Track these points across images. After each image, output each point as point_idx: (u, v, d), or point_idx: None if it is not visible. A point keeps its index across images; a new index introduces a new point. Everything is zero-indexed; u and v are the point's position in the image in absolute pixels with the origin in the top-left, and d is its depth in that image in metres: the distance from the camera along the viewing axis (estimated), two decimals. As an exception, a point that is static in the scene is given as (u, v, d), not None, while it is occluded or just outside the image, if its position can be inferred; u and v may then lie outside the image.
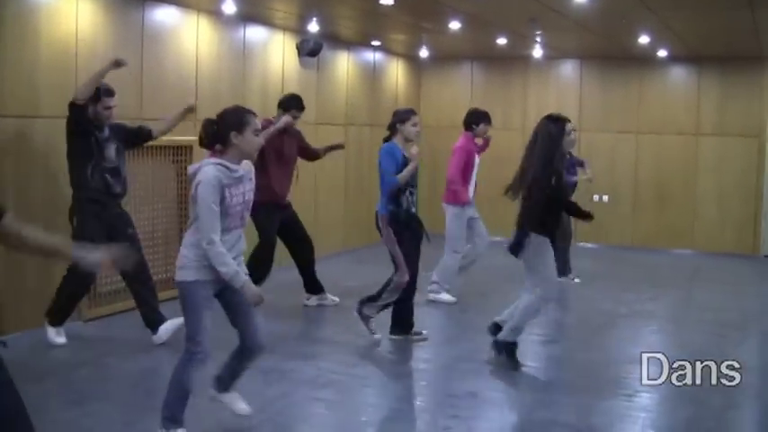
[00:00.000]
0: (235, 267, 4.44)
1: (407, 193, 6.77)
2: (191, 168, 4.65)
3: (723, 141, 12.47)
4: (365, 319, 6.91)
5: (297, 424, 5.30)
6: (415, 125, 6.79)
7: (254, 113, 4.66)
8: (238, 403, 4.99)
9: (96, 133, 6.44)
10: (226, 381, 4.96)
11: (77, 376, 5.88)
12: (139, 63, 7.91)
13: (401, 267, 6.77)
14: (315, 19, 9.41)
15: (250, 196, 4.68)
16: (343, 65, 11.72)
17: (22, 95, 6.70)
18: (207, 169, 4.45)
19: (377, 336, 6.89)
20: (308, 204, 10.68)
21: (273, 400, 5.50)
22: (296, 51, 10.45)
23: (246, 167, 4.67)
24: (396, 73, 13.30)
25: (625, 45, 11.03)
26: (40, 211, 6.77)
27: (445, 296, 8.71)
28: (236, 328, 4.76)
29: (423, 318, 8.11)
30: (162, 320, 6.70)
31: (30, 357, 6.25)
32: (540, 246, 6.15)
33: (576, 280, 9.87)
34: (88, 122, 6.37)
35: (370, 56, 12.45)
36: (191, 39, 8.64)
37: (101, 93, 6.45)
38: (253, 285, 4.54)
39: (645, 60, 12.47)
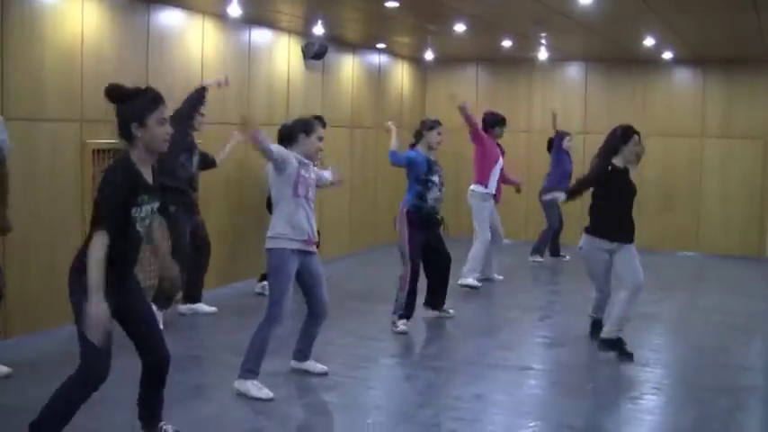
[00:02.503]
0: None
1: (435, 189, 7.46)
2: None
3: (728, 143, 12.45)
4: (393, 324, 7.50)
5: (303, 426, 5.30)
6: (439, 134, 7.56)
7: (321, 122, 6.07)
8: (317, 366, 6.08)
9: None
10: (304, 350, 6.06)
11: (83, 379, 5.87)
12: (144, 66, 7.92)
13: (405, 262, 7.41)
14: (320, 22, 9.41)
15: (313, 181, 5.78)
16: (349, 67, 11.73)
17: (28, 98, 6.70)
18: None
19: (402, 328, 7.43)
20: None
21: (279, 403, 5.50)
22: (301, 54, 10.46)
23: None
24: (401, 75, 13.30)
25: (630, 47, 11.02)
26: (46, 213, 6.79)
27: (470, 280, 9.29)
28: (306, 296, 5.85)
29: (428, 320, 8.12)
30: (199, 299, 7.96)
31: (37, 359, 6.26)
32: (587, 253, 6.86)
33: (567, 257, 11.34)
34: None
35: (376, 58, 12.46)
36: (196, 41, 8.65)
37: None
38: None
39: (650, 63, 12.46)
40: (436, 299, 7.96)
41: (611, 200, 6.76)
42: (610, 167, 6.74)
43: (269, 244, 5.62)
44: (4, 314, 6.52)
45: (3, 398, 5.37)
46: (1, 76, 6.44)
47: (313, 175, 5.81)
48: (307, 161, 5.73)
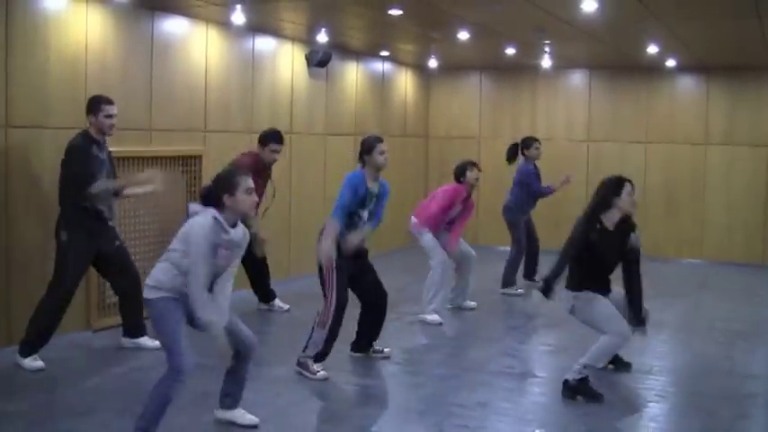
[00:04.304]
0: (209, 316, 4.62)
1: (359, 225, 6.49)
2: (193, 207, 4.85)
3: (732, 150, 12.44)
4: (302, 366, 6.35)
5: (306, 434, 5.30)
6: (382, 153, 6.47)
7: (246, 174, 4.87)
8: (245, 416, 5.16)
9: (93, 155, 6.42)
10: (234, 395, 5.18)
11: (86, 386, 5.89)
12: (149, 74, 7.95)
13: (329, 294, 6.33)
14: (324, 29, 9.44)
15: (233, 256, 4.83)
16: (352, 75, 11.74)
17: (31, 106, 6.73)
18: (204, 220, 4.66)
19: (321, 373, 6.28)
20: (314, 215, 10.69)
21: (282, 410, 5.50)
22: (305, 62, 10.48)
23: (241, 233, 4.84)
24: (404, 83, 13.32)
25: (633, 55, 11.03)
26: (48, 220, 6.80)
27: (431, 316, 8.29)
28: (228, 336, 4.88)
29: (431, 327, 8.11)
30: (144, 330, 6.92)
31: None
32: (588, 301, 6.03)
33: (520, 290, 9.82)
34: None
35: (379, 66, 12.48)
36: (200, 49, 8.67)
37: (101, 102, 6.47)
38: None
39: (653, 70, 12.47)
40: (364, 340, 6.89)
41: (595, 264, 6.07)
42: (599, 225, 6.05)
43: (147, 293, 4.75)
44: (8, 322, 6.54)
45: (5, 405, 5.37)
46: (5, 84, 6.47)
47: (236, 253, 4.86)
48: (229, 236, 4.74)
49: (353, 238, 6.37)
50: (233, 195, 4.71)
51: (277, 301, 8.59)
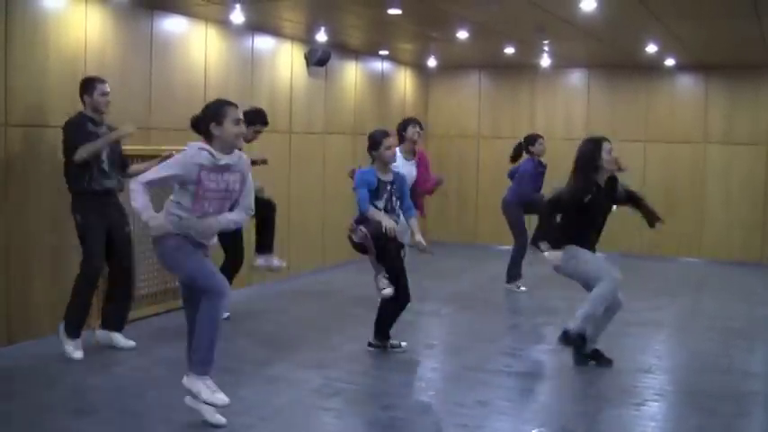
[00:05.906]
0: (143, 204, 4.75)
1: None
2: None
3: (731, 149, 12.45)
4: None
5: (305, 432, 5.31)
6: (388, 148, 6.70)
7: (235, 105, 4.95)
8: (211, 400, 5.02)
9: (89, 130, 6.45)
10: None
11: (87, 385, 5.89)
12: (148, 72, 7.95)
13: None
14: (323, 28, 9.44)
15: (235, 187, 4.93)
16: (351, 74, 11.75)
17: (31, 104, 6.72)
18: (190, 147, 4.82)
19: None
20: (313, 213, 10.71)
21: (280, 410, 5.50)
22: (304, 61, 10.48)
23: (236, 157, 4.92)
24: (404, 82, 13.32)
25: (632, 54, 11.04)
26: (47, 217, 6.80)
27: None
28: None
29: (430, 326, 8.12)
30: (122, 326, 6.87)
31: (40, 366, 6.26)
32: (572, 255, 6.40)
33: (523, 288, 9.88)
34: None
35: (378, 65, 12.48)
36: (199, 48, 8.67)
37: (95, 81, 6.56)
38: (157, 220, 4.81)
39: (652, 69, 12.48)
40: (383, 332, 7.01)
41: (584, 222, 6.44)
42: (595, 188, 6.39)
43: (155, 232, 4.89)
44: (7, 322, 6.54)
45: (5, 405, 5.37)
46: (4, 83, 6.47)
47: (233, 178, 4.91)
48: (221, 162, 4.80)
49: (388, 222, 6.57)
50: (220, 125, 4.78)
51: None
